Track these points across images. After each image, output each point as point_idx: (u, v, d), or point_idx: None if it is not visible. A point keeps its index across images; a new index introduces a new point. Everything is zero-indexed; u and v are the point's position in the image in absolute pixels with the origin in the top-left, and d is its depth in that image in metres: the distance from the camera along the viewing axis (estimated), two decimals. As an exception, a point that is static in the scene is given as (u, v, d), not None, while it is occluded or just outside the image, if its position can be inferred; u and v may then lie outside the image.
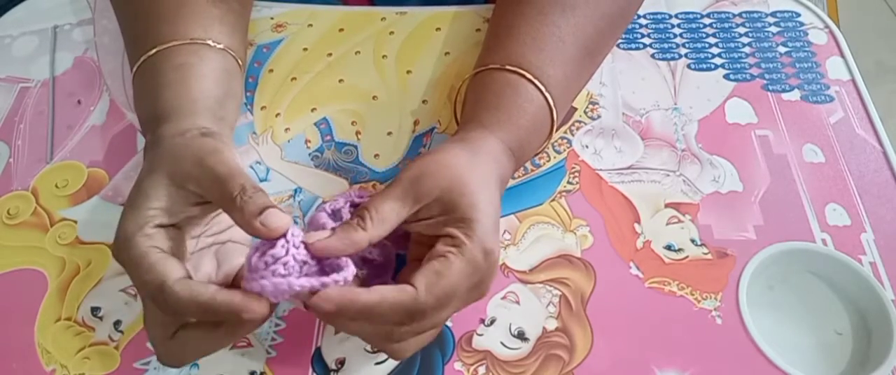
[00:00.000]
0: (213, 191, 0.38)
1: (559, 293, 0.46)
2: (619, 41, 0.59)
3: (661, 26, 0.61)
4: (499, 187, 0.43)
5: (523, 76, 0.46)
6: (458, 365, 0.43)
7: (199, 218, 0.41)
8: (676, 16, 0.61)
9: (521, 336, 0.44)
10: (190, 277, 0.37)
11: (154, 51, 0.46)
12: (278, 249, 0.36)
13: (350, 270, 0.37)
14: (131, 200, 0.39)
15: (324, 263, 0.38)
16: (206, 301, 0.36)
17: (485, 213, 0.39)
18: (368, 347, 0.44)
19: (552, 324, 0.45)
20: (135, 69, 0.47)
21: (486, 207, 0.40)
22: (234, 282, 0.40)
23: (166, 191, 0.39)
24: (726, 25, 0.61)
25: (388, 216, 0.39)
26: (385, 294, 0.36)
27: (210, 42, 0.47)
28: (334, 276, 0.36)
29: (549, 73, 0.47)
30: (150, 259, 0.37)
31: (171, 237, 0.39)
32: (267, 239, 0.37)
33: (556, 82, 0.47)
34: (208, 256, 0.42)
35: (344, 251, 0.38)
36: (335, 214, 0.42)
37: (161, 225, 0.38)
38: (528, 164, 0.52)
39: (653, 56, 0.59)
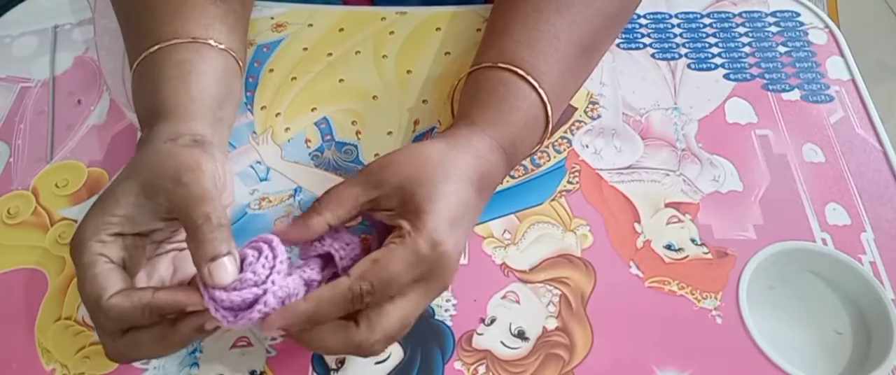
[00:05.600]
0: (181, 212, 0.38)
1: (559, 292, 0.46)
2: (619, 41, 0.59)
3: (661, 26, 0.61)
4: (474, 182, 0.42)
5: (516, 73, 0.46)
6: (458, 365, 0.43)
7: (163, 231, 0.41)
8: (676, 15, 0.61)
9: (521, 335, 0.44)
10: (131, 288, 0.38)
11: (155, 48, 0.46)
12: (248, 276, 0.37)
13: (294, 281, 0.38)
14: (100, 201, 0.39)
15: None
16: (147, 302, 0.36)
17: (441, 206, 0.39)
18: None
19: (552, 324, 0.45)
20: (135, 65, 0.47)
21: (444, 200, 0.40)
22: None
23: (135, 201, 0.39)
24: (726, 25, 0.61)
25: (344, 199, 0.40)
26: (319, 295, 0.37)
27: (212, 42, 0.47)
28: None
29: (542, 71, 0.47)
30: (94, 269, 0.37)
31: (127, 246, 0.39)
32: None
33: (550, 79, 0.47)
34: (165, 261, 0.42)
35: (302, 237, 0.39)
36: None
37: (120, 234, 0.38)
38: (528, 164, 0.52)
39: (653, 56, 0.59)
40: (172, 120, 0.43)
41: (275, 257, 0.38)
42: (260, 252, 0.38)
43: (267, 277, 0.37)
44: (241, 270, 0.37)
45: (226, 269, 0.37)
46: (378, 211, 0.41)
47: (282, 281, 0.38)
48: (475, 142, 0.44)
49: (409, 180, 0.40)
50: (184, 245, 0.42)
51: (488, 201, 0.45)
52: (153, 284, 0.40)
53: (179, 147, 0.41)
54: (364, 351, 0.38)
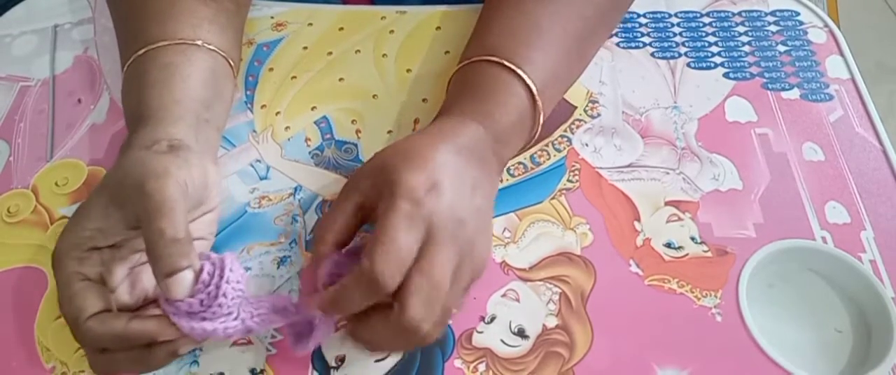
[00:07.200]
0: (141, 224, 0.38)
1: (559, 290, 0.46)
2: (618, 40, 0.59)
3: (661, 25, 0.61)
4: (450, 145, 0.42)
5: (490, 61, 0.47)
6: (458, 363, 0.43)
7: (135, 240, 0.40)
8: (676, 14, 0.61)
9: (521, 333, 0.44)
10: (109, 309, 0.38)
11: (143, 50, 0.46)
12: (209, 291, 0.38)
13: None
14: (74, 214, 0.39)
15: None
16: (119, 332, 0.37)
17: (410, 167, 0.40)
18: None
19: (552, 322, 0.45)
20: (124, 69, 0.47)
21: (413, 161, 0.40)
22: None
23: (104, 212, 0.39)
24: (726, 24, 0.61)
25: (335, 215, 0.42)
26: (343, 282, 0.38)
27: (199, 42, 0.47)
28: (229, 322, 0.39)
29: (522, 54, 0.47)
30: (71, 287, 0.37)
31: (104, 259, 0.39)
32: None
33: (533, 63, 0.47)
34: (147, 272, 0.41)
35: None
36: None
37: (96, 248, 0.38)
38: (528, 162, 0.52)
39: (652, 55, 0.59)
40: (152, 124, 0.43)
41: (215, 298, 0.38)
42: (209, 280, 0.38)
43: (198, 313, 0.38)
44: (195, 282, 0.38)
45: (182, 284, 0.37)
46: (373, 214, 0.41)
47: (211, 325, 0.38)
48: (450, 122, 0.45)
49: (378, 169, 0.41)
50: None
51: (483, 169, 0.44)
52: (136, 296, 0.41)
53: (152, 154, 0.41)
54: (414, 330, 0.38)
